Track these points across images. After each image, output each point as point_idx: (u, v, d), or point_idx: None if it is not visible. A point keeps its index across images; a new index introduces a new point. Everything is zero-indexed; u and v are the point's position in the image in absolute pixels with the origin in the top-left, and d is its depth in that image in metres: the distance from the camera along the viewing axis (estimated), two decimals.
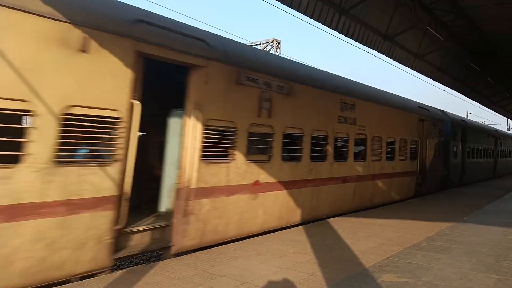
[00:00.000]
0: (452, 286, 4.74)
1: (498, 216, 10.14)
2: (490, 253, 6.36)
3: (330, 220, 9.09)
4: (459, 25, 14.81)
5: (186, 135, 6.14)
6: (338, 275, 5.14)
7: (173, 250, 6.02)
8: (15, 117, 4.51)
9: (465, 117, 30.18)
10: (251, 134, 7.16)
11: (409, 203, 12.74)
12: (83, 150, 5.02)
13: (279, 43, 20.59)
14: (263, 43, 20.55)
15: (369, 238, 7.31)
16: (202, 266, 5.38)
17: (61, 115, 4.66)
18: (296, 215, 8.45)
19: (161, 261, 5.58)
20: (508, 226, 8.65)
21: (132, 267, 5.31)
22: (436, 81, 18.97)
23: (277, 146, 7.75)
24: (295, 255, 6.04)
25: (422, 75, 18.03)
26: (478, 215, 10.27)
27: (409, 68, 17.02)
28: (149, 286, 4.59)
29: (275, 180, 7.74)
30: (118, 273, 4.99)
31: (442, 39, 15.28)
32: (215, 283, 4.73)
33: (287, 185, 8.03)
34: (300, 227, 8.26)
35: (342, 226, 8.41)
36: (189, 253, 6.20)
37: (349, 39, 13.29)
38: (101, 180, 5.01)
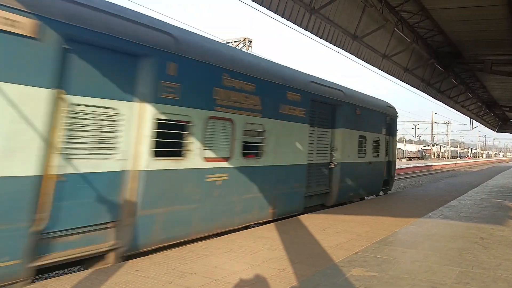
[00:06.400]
0: (417, 279, 4.89)
1: (461, 211, 10.54)
2: (453, 246, 6.61)
3: (301, 216, 9.18)
4: (425, 27, 15.28)
5: None
6: (308, 270, 5.20)
7: None
8: None
9: (431, 118, 28.71)
10: None
11: (377, 200, 13.06)
12: None
13: (250, 41, 20.63)
14: (235, 41, 20.54)
15: (339, 234, 7.43)
16: (172, 265, 5.32)
17: None
18: None
19: (129, 261, 5.47)
20: (470, 221, 9.02)
21: (100, 267, 5.18)
22: (403, 82, 19.49)
23: None
24: (266, 252, 6.07)
25: (389, 76, 18.45)
26: (442, 210, 10.65)
27: (377, 69, 17.40)
28: (118, 285, 4.49)
29: None
30: (85, 273, 4.85)
31: (409, 40, 15.72)
32: (185, 281, 4.68)
33: None
34: (272, 224, 8.31)
35: (313, 222, 8.52)
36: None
37: (319, 38, 13.44)
38: None
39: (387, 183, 15.34)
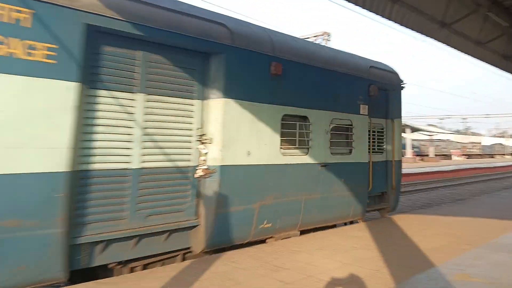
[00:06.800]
0: None
1: None
2: None
3: (394, 217, 8.80)
4: None
5: None
6: (406, 273, 4.93)
7: None
8: None
9: None
10: None
11: (478, 200, 12.09)
12: None
13: (329, 35, 20.23)
14: (314, 36, 20.28)
15: (437, 236, 6.97)
16: (265, 259, 5.38)
17: None
18: None
19: (225, 253, 5.64)
20: None
21: (199, 258, 5.43)
22: (502, 70, 17.81)
23: None
24: (359, 251, 5.89)
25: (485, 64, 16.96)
26: None
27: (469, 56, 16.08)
28: (216, 275, 4.67)
29: None
30: (187, 262, 5.11)
31: (507, 24, 14.27)
32: (279, 275, 4.71)
33: None
34: (362, 223, 8.05)
35: (407, 222, 8.11)
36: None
37: (404, 28, 12.77)
38: None
39: (382, 198, 9.14)
